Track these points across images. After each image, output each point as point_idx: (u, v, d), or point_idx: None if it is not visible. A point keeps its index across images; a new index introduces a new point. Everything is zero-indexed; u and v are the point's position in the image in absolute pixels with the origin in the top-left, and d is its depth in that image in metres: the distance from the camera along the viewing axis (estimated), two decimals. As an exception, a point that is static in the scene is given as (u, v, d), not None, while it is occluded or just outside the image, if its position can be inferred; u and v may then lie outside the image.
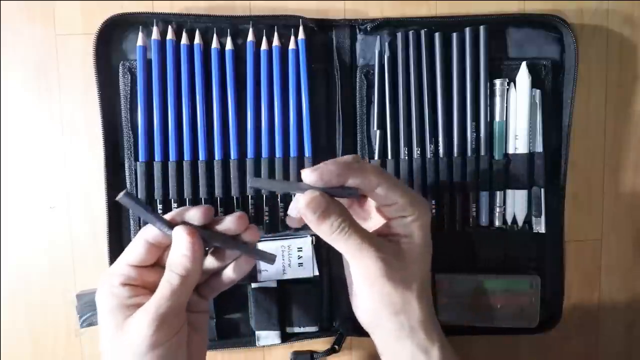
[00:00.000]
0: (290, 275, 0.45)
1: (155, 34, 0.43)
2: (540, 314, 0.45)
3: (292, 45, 0.44)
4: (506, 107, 0.45)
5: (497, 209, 0.45)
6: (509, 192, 0.46)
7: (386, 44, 0.45)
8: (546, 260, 0.47)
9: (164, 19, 0.43)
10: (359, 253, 0.33)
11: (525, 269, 0.47)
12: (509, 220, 0.46)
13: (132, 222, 0.45)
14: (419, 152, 0.45)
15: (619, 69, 0.48)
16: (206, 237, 0.33)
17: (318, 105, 0.45)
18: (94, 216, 0.46)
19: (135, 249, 0.34)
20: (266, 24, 0.44)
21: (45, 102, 0.46)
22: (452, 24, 0.45)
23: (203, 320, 0.38)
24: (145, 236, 0.34)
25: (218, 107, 0.44)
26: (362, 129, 0.46)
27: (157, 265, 0.35)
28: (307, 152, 0.44)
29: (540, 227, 0.46)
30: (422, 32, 0.44)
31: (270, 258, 0.36)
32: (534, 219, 0.46)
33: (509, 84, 0.45)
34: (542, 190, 0.45)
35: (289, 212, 0.36)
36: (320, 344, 0.47)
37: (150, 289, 0.34)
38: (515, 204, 0.45)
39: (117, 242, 0.45)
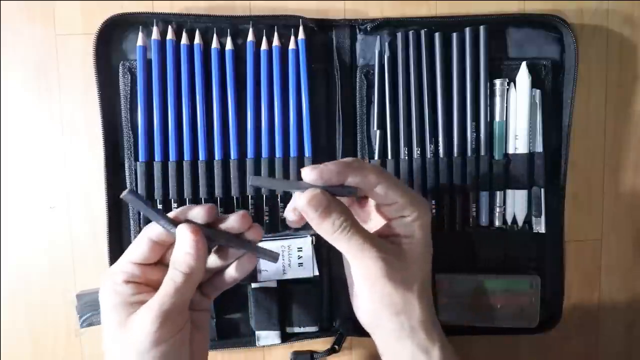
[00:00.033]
0: (290, 275, 0.45)
1: (155, 34, 0.43)
2: (540, 314, 0.45)
3: (292, 45, 0.44)
4: (506, 107, 0.45)
5: (497, 209, 0.45)
6: (509, 192, 0.46)
7: (386, 44, 0.45)
8: (546, 260, 0.47)
9: (164, 19, 0.43)
10: (361, 253, 0.33)
11: (525, 269, 0.47)
12: (509, 220, 0.46)
13: (132, 222, 0.45)
14: (419, 152, 0.45)
15: (619, 69, 0.48)
16: (210, 236, 0.34)
17: (318, 105, 0.45)
18: (94, 216, 0.46)
19: (139, 247, 0.34)
20: (266, 24, 0.44)
21: (45, 102, 0.46)
22: (452, 24, 0.45)
23: (205, 318, 0.38)
24: (148, 234, 0.34)
25: (218, 107, 0.44)
26: (362, 129, 0.46)
27: (160, 263, 0.36)
28: (307, 152, 0.44)
29: (540, 227, 0.46)
30: (422, 32, 0.44)
31: (273, 256, 0.36)
32: (534, 219, 0.46)
33: (509, 84, 0.45)
34: (542, 190, 0.45)
35: (285, 213, 0.35)
36: (320, 344, 0.47)
37: (153, 286, 0.34)
38: (515, 204, 0.45)
39: (117, 242, 0.45)
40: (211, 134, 0.44)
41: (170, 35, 0.43)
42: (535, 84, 0.45)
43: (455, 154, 0.45)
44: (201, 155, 0.44)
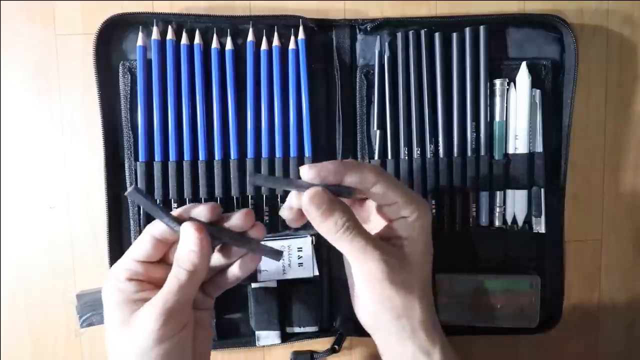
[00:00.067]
0: (290, 275, 0.45)
1: (155, 34, 0.43)
2: (540, 314, 0.46)
3: (292, 45, 0.44)
4: (506, 107, 0.45)
5: (497, 209, 0.45)
6: (509, 192, 0.46)
7: (386, 44, 0.45)
8: (546, 260, 0.47)
9: (164, 19, 0.43)
10: (363, 255, 0.32)
11: (525, 269, 0.47)
12: (509, 220, 0.46)
13: (132, 222, 0.45)
14: (419, 152, 0.45)
15: (619, 69, 0.48)
16: (213, 234, 0.34)
17: (318, 105, 0.45)
18: (94, 216, 0.46)
19: (142, 245, 0.34)
20: (266, 24, 0.44)
21: (45, 102, 0.46)
22: (452, 24, 0.45)
23: (208, 317, 0.38)
24: (152, 232, 0.34)
25: (218, 107, 0.44)
26: (362, 129, 0.46)
27: (163, 262, 0.36)
28: (307, 152, 0.44)
29: (540, 227, 0.46)
30: (422, 32, 0.44)
31: (277, 254, 0.36)
32: (534, 219, 0.46)
33: (509, 84, 0.45)
34: (542, 190, 0.45)
35: (281, 212, 0.35)
36: (320, 344, 0.47)
37: (156, 285, 0.34)
38: (515, 204, 0.46)
39: (117, 242, 0.45)
40: (211, 134, 0.44)
41: (170, 35, 0.43)
42: (535, 84, 0.45)
43: (455, 154, 0.45)
44: (201, 155, 0.44)
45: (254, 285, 0.45)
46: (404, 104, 0.45)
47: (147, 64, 0.43)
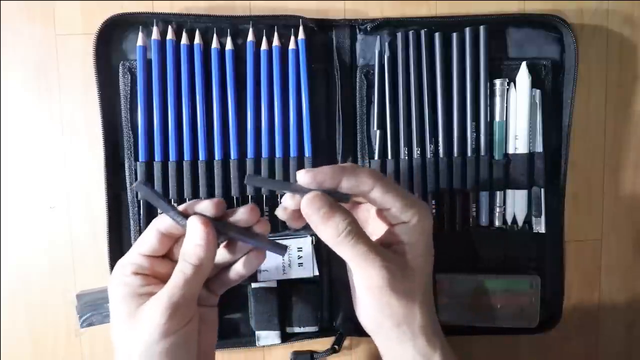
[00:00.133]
0: (290, 275, 0.45)
1: (155, 34, 0.43)
2: (540, 314, 0.46)
3: (292, 45, 0.44)
4: (506, 107, 0.45)
5: (497, 209, 0.45)
6: (509, 192, 0.46)
7: (386, 44, 0.45)
8: (546, 260, 0.47)
9: (164, 19, 0.43)
10: (364, 262, 0.32)
11: (525, 269, 0.47)
12: (509, 220, 0.46)
13: (132, 222, 0.45)
14: (419, 152, 0.45)
15: (619, 69, 0.48)
16: (219, 228, 0.34)
17: (318, 105, 0.45)
18: (94, 216, 0.46)
19: (148, 239, 0.34)
20: (266, 24, 0.44)
21: (45, 102, 0.46)
22: (452, 24, 0.45)
23: (213, 314, 0.38)
24: (157, 226, 0.34)
25: (218, 107, 0.44)
26: (362, 129, 0.46)
27: (168, 258, 0.36)
28: (307, 152, 0.44)
29: (540, 227, 0.46)
30: (422, 32, 0.44)
31: (282, 248, 0.36)
32: (534, 219, 0.46)
33: (509, 84, 0.45)
34: (542, 190, 0.45)
35: (276, 212, 0.35)
36: (320, 344, 0.47)
37: (162, 279, 0.34)
38: (515, 204, 0.45)
39: (117, 242, 0.45)
40: (211, 134, 0.44)
41: (170, 35, 0.43)
42: (535, 84, 0.45)
43: (455, 154, 0.45)
44: (201, 155, 0.44)
45: (254, 285, 0.45)
46: (404, 104, 0.45)
47: (147, 64, 0.43)
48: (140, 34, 0.43)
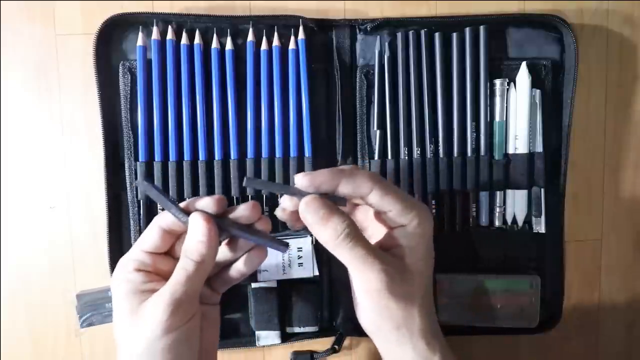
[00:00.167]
0: (290, 275, 0.45)
1: (155, 34, 0.43)
2: (540, 314, 0.45)
3: (292, 45, 0.44)
4: (506, 107, 0.45)
5: (497, 209, 0.45)
6: (509, 192, 0.46)
7: (386, 44, 0.45)
8: (546, 260, 0.47)
9: (164, 19, 0.43)
10: (363, 266, 0.32)
11: (525, 269, 0.47)
12: (509, 220, 0.46)
13: (132, 222, 0.45)
14: (419, 152, 0.45)
15: (619, 69, 0.48)
16: (221, 225, 0.34)
17: (318, 105, 0.45)
18: (94, 216, 0.46)
19: (150, 235, 0.34)
20: (266, 24, 0.44)
21: (45, 102, 0.46)
22: (452, 24, 0.45)
23: (215, 312, 0.38)
24: (159, 223, 0.34)
25: (218, 107, 0.44)
26: (362, 129, 0.46)
27: (169, 255, 0.36)
28: (307, 152, 0.44)
29: (540, 227, 0.46)
30: (422, 32, 0.44)
31: (284, 245, 0.35)
32: (534, 219, 0.46)
33: (509, 84, 0.45)
34: (542, 190, 0.45)
35: (275, 212, 0.35)
36: (320, 344, 0.47)
37: (164, 277, 0.34)
38: (515, 204, 0.45)
39: (117, 242, 0.45)
40: (211, 134, 0.44)
41: (170, 35, 0.43)
42: (535, 84, 0.45)
43: (455, 154, 0.45)
44: (201, 155, 0.44)
45: (254, 285, 0.45)
46: (404, 104, 0.45)
47: (147, 64, 0.43)
48: (140, 34, 0.43)
